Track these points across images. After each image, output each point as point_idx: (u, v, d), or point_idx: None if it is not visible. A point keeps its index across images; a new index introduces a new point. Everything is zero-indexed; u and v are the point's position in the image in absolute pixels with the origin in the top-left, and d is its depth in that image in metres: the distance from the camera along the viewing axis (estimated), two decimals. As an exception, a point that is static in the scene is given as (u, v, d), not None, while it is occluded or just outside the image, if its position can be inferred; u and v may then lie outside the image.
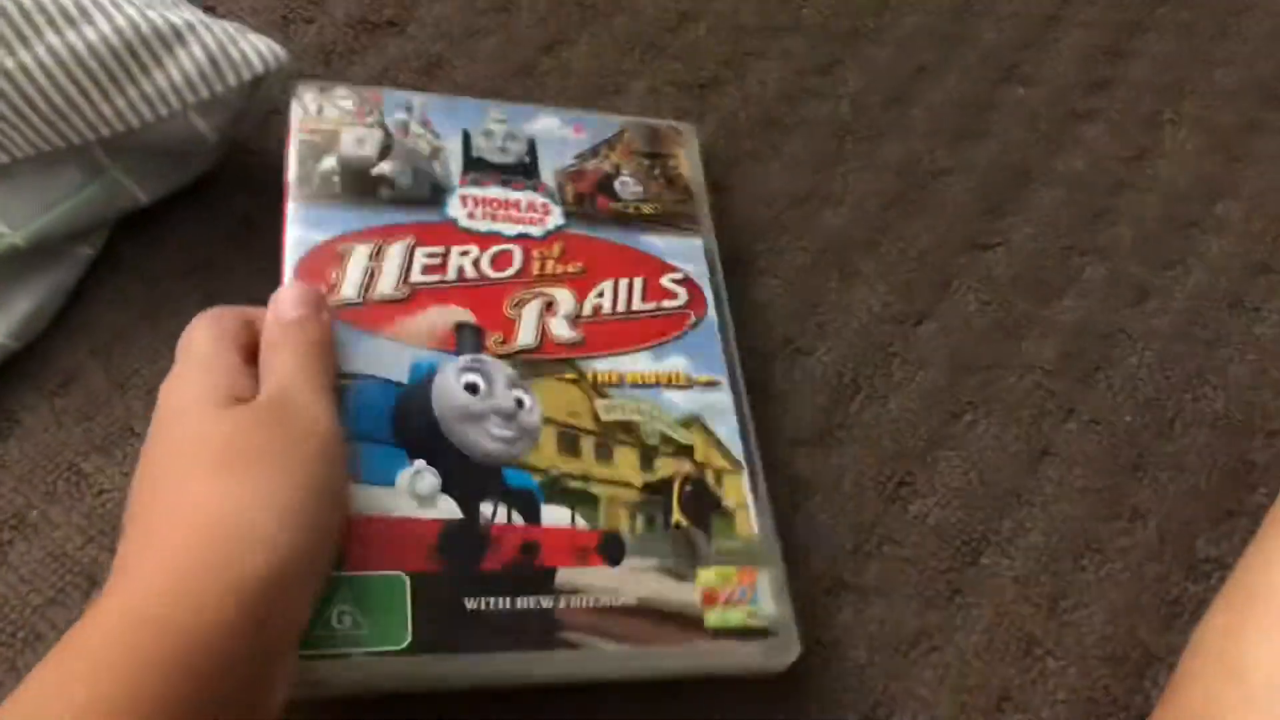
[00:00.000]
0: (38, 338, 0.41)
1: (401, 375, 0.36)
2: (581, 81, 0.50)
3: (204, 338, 0.34)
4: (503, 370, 0.37)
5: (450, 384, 0.37)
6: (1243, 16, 0.54)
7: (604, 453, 0.37)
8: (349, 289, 0.37)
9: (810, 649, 0.36)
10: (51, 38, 0.37)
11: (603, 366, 0.39)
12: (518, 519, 0.35)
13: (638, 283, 0.40)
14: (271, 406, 0.32)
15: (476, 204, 0.40)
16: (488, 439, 0.36)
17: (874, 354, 0.44)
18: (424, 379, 0.37)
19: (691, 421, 0.38)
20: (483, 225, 0.40)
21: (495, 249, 0.40)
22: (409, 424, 0.36)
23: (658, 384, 0.39)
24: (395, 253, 0.38)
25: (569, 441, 0.37)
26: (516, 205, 0.41)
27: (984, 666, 0.38)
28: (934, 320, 0.45)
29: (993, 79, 0.51)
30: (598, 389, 0.38)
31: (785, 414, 0.43)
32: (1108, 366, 0.45)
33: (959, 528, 0.41)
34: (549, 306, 0.39)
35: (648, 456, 0.37)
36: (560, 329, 0.39)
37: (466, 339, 0.38)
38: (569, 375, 0.38)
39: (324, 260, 0.38)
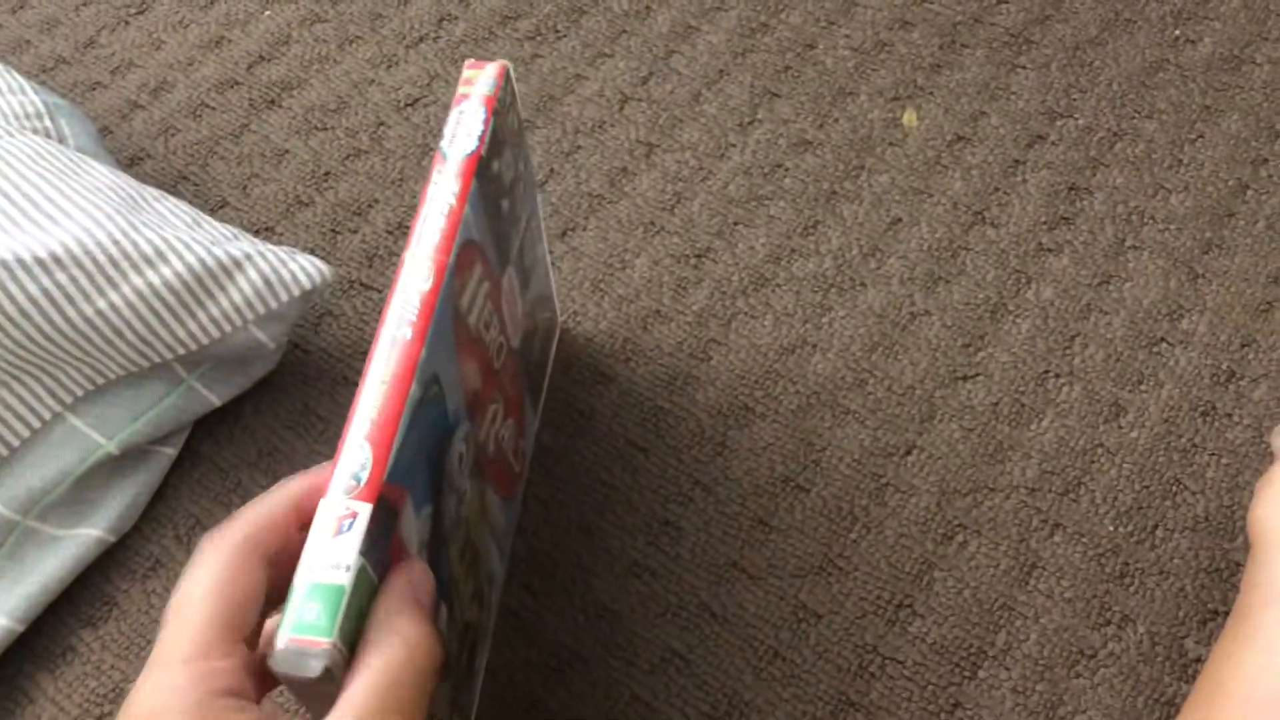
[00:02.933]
0: (130, 530, 0.48)
1: None
2: (592, 262, 0.56)
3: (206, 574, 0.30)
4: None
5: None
6: (1194, 145, 0.59)
7: None
8: None
9: (815, 767, 0.39)
10: (135, 279, 0.45)
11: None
12: None
13: None
14: None
15: None
16: None
17: (867, 485, 0.48)
18: None
19: None
20: None
21: None
22: None
23: None
24: None
25: None
26: None
27: (987, 775, 0.41)
28: (921, 450, 0.49)
29: (964, 224, 0.56)
30: None
31: (789, 547, 0.47)
32: (1089, 480, 0.48)
33: (957, 644, 0.44)
34: None
35: None
36: None
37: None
38: None
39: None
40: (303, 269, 0.48)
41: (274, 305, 0.47)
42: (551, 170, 0.60)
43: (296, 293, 0.48)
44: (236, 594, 0.29)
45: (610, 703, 0.44)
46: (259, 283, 0.47)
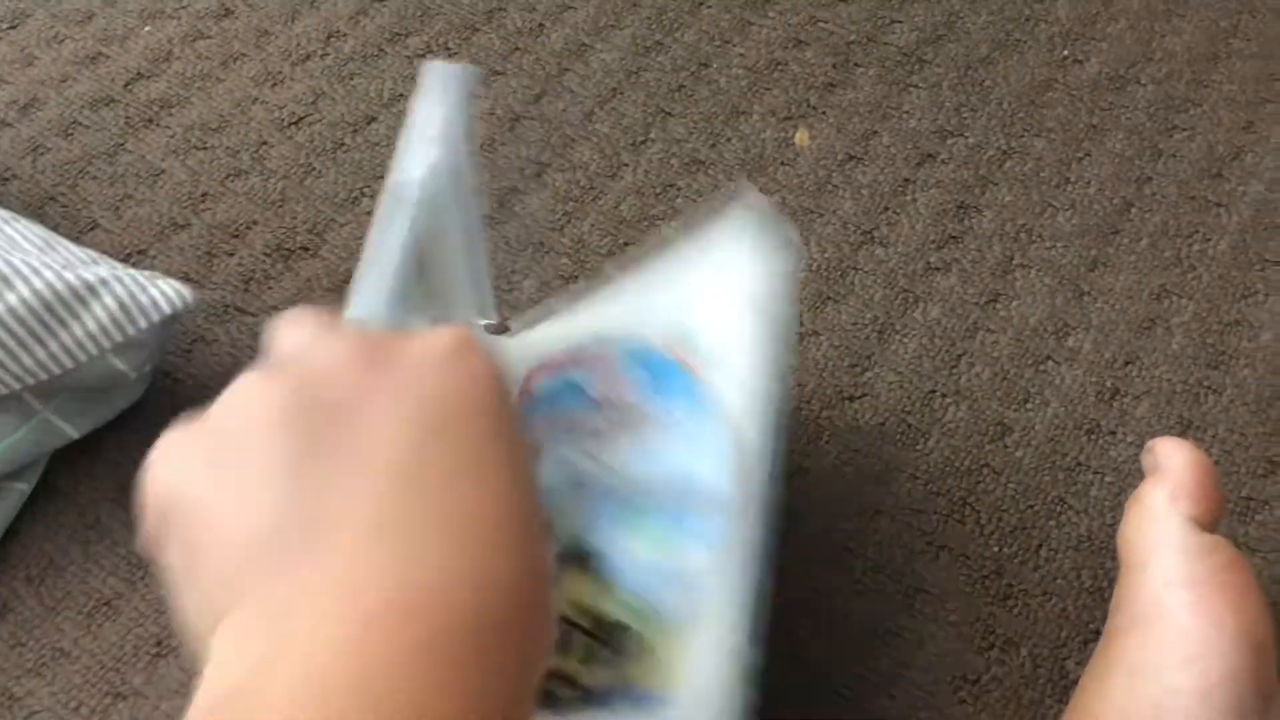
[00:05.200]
0: (-26, 572, 0.45)
1: None
2: (477, 284, 0.55)
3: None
4: None
5: None
6: (1081, 163, 0.59)
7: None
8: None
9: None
10: (-23, 306, 0.42)
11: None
12: None
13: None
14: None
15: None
16: None
17: (754, 510, 0.47)
18: None
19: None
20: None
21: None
22: None
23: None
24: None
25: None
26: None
27: (868, 806, 0.40)
28: (807, 473, 0.48)
29: (853, 243, 0.56)
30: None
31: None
32: (974, 501, 0.48)
33: (842, 672, 0.43)
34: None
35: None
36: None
37: None
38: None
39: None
40: (164, 294, 0.46)
41: (132, 332, 0.45)
42: (438, 190, 0.58)
43: (156, 319, 0.46)
44: None
45: None
46: (115, 309, 0.45)
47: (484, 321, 0.48)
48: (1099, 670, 0.36)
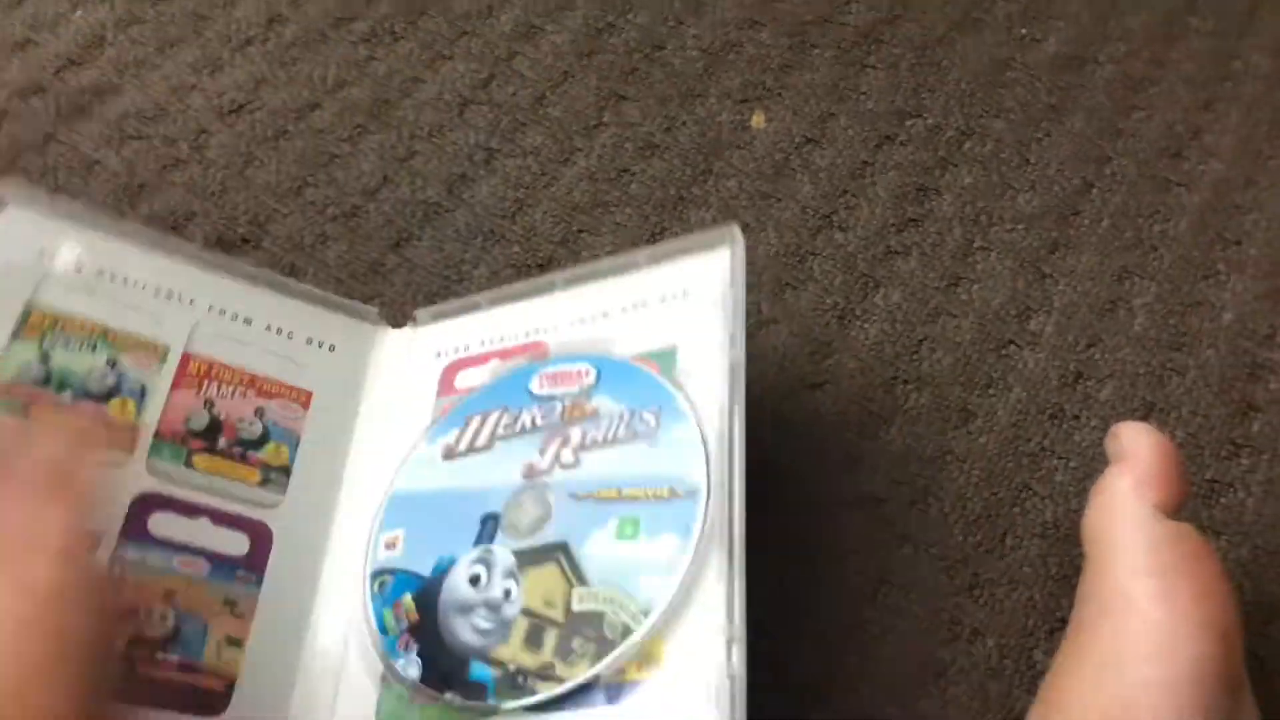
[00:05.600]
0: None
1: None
2: (426, 274, 0.53)
3: None
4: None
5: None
6: (1041, 144, 0.58)
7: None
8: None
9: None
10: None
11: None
12: None
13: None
14: None
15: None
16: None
17: (713, 503, 0.46)
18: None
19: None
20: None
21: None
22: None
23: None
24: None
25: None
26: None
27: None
28: (770, 465, 0.47)
29: (811, 228, 0.55)
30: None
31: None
32: (936, 489, 0.47)
33: (806, 669, 0.42)
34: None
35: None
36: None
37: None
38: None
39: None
40: None
41: None
42: (385, 177, 0.57)
43: None
44: None
45: None
46: None
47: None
48: (1067, 662, 0.35)
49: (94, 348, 0.41)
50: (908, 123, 0.59)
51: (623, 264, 0.44)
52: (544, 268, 0.54)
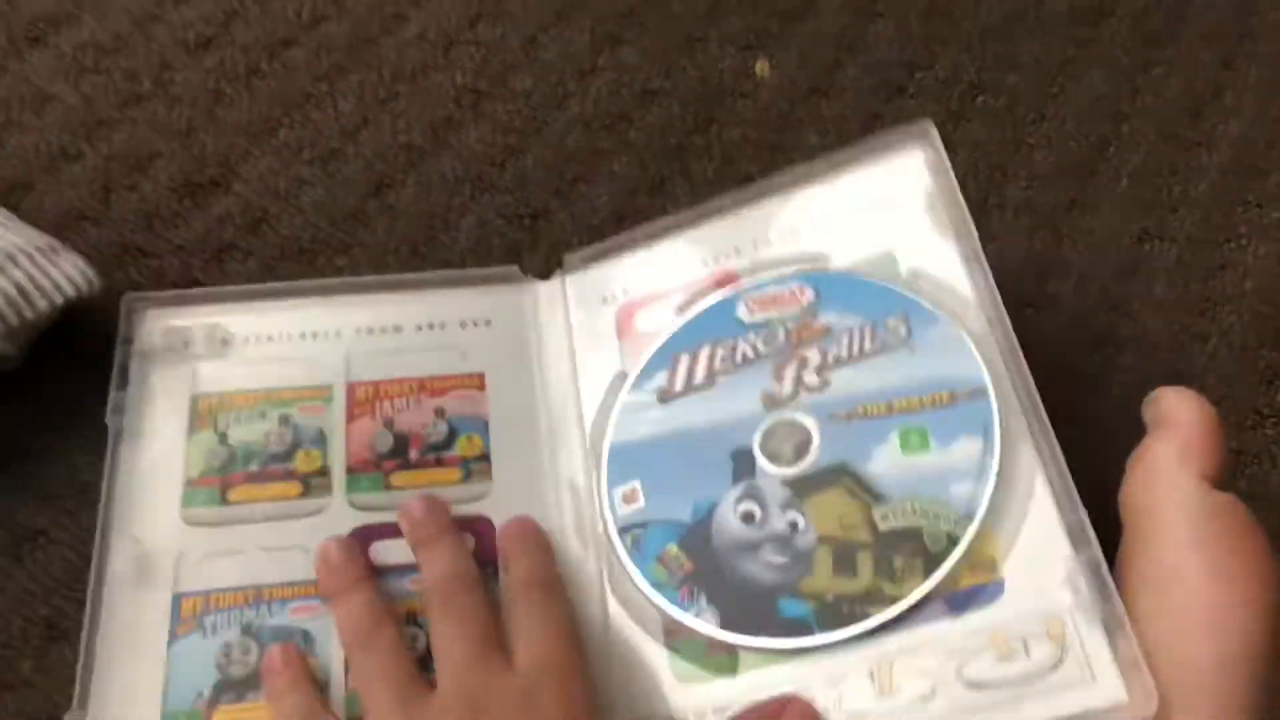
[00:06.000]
0: None
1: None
2: (409, 223, 0.50)
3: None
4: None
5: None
6: (1056, 99, 0.56)
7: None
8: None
9: None
10: None
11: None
12: None
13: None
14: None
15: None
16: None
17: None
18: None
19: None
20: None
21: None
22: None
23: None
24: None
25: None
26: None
27: None
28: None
29: (820, 181, 0.52)
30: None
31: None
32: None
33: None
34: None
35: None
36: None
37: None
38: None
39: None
40: (68, 277, 0.41)
41: (28, 316, 0.40)
42: (365, 119, 0.53)
43: (59, 301, 0.40)
44: None
45: None
46: (12, 293, 0.39)
47: None
48: None
49: (263, 414, 0.40)
50: (918, 74, 0.56)
51: (797, 177, 0.43)
52: (536, 218, 0.50)
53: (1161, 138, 0.55)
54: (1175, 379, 0.46)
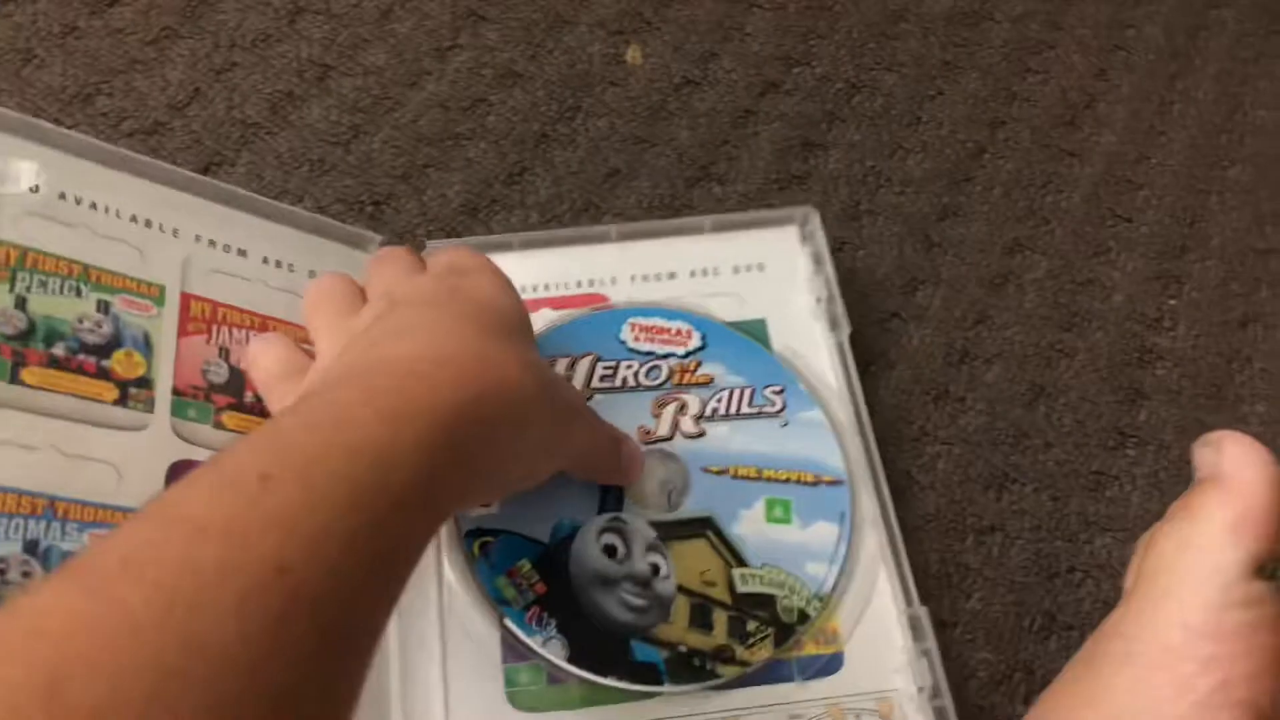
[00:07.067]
0: None
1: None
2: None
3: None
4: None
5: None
6: (933, 102, 0.54)
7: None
8: None
9: None
10: None
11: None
12: None
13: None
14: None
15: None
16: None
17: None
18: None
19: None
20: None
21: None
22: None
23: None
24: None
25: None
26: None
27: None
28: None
29: (688, 178, 0.49)
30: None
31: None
32: (813, 475, 0.42)
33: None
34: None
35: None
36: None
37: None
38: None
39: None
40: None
41: None
42: (196, 90, 0.48)
43: None
44: None
45: None
46: None
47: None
48: (1069, 705, 0.30)
49: (78, 290, 0.33)
50: (795, 70, 0.54)
51: (685, 225, 0.44)
52: (380, 205, 0.46)
53: (1036, 146, 0.53)
54: (1040, 395, 0.45)
